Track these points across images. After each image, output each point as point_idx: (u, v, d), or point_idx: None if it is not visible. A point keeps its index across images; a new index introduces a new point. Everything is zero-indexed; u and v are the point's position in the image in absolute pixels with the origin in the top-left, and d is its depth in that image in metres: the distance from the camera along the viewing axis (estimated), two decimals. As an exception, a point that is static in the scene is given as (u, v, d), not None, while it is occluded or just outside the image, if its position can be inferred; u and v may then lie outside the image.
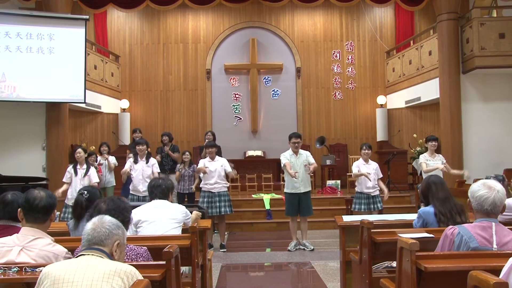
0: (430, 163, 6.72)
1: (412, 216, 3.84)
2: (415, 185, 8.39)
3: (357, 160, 6.86)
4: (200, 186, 6.90)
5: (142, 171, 6.84)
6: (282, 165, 6.58)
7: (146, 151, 7.00)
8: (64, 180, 6.69)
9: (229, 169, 6.87)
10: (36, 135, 9.02)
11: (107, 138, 10.73)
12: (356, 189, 6.75)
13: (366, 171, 6.50)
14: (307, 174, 6.62)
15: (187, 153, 7.75)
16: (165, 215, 3.62)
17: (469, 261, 2.34)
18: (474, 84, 9.08)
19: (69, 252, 2.43)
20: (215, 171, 6.72)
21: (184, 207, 3.82)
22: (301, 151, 6.63)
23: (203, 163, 6.81)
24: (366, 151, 6.66)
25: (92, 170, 6.78)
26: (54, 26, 8.68)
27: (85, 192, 3.37)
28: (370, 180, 6.47)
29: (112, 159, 8.18)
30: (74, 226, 3.37)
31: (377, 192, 6.64)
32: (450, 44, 9.00)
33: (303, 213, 6.63)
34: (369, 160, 6.72)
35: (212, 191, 6.72)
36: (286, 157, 6.54)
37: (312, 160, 6.62)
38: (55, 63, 8.65)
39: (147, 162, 6.88)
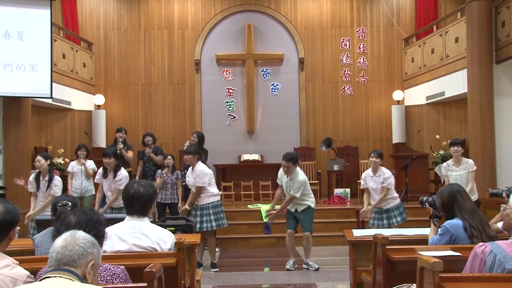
0: (452, 175, 6.59)
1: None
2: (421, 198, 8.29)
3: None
4: None
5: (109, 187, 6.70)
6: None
7: (115, 164, 6.65)
8: (31, 190, 6.51)
9: (199, 183, 6.57)
10: (-10, 136, 8.92)
11: (79, 139, 10.69)
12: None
13: (372, 186, 6.60)
14: None
15: (169, 157, 7.74)
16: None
17: (503, 285, 2.33)
18: (510, 76, 8.96)
19: (32, 276, 2.37)
20: (192, 185, 6.73)
21: (170, 233, 3.42)
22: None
23: (188, 174, 6.88)
24: (373, 159, 6.59)
25: (57, 180, 6.59)
26: (12, 5, 8.54)
27: (69, 203, 3.42)
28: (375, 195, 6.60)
29: (91, 164, 8.11)
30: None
31: (392, 205, 6.61)
32: (482, 28, 8.87)
33: (303, 229, 6.64)
34: (382, 168, 6.63)
35: (196, 203, 6.73)
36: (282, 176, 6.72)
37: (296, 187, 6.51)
38: (14, 51, 8.52)
39: (114, 177, 6.59)
